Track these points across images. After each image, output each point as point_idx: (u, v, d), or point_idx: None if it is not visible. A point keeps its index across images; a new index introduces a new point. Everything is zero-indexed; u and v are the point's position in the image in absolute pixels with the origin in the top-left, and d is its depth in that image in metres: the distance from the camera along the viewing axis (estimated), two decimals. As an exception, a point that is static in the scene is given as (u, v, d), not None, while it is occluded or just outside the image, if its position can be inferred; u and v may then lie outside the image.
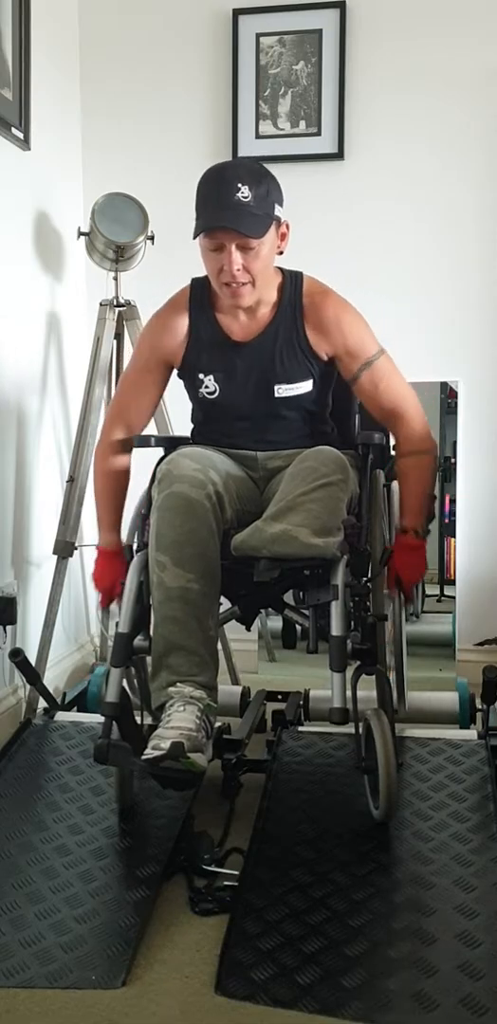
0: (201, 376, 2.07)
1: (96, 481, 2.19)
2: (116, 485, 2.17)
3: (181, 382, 2.16)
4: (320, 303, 2.03)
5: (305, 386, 2.04)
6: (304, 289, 2.05)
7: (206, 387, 2.07)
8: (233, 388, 2.06)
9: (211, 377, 2.07)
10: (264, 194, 1.91)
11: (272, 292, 2.04)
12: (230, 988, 1.43)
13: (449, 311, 2.94)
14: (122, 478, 2.17)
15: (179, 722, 1.70)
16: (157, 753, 1.64)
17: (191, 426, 2.21)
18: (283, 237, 2.01)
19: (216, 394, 2.07)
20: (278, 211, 1.96)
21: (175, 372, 2.15)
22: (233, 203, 1.87)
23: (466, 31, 2.84)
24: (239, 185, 1.88)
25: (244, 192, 1.88)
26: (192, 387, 2.11)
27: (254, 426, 2.08)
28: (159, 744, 1.65)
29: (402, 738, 2.24)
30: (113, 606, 2.15)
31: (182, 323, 2.08)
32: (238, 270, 1.91)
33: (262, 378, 2.04)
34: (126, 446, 2.15)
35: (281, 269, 2.07)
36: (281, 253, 2.02)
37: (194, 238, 1.94)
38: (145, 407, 2.16)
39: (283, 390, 2.03)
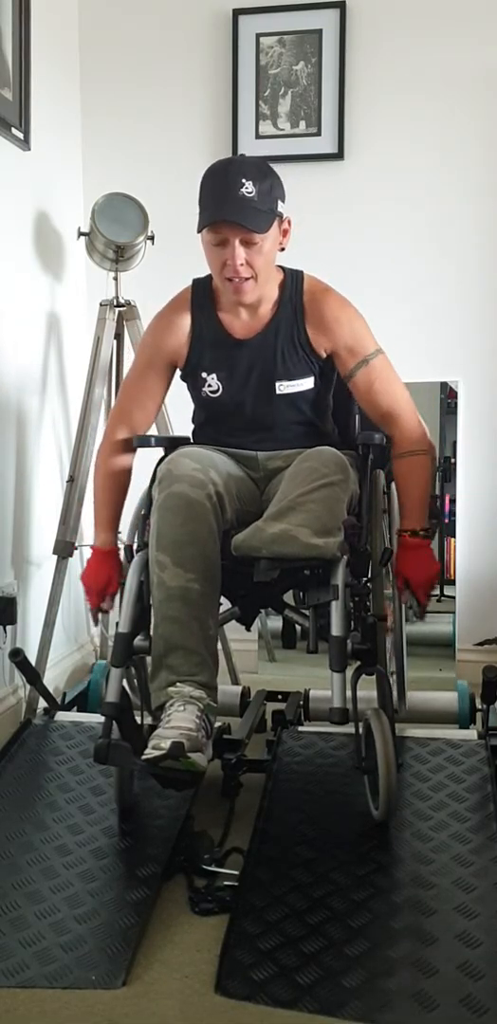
0: (204, 375, 2.08)
1: (97, 480, 2.18)
2: (117, 485, 2.16)
3: (181, 383, 2.16)
4: (321, 300, 2.04)
5: (306, 383, 2.05)
6: (305, 287, 2.06)
7: (209, 386, 2.07)
8: (235, 386, 2.06)
9: (214, 376, 2.07)
10: (268, 189, 1.93)
11: (273, 290, 2.05)
12: (230, 988, 1.43)
13: (449, 311, 2.94)
14: (123, 478, 2.16)
15: (179, 722, 1.70)
16: (157, 753, 1.64)
17: (191, 427, 2.21)
18: (285, 233, 2.02)
19: (219, 392, 2.07)
20: (280, 207, 1.98)
21: (178, 374, 2.15)
22: (237, 198, 1.88)
23: (466, 31, 2.84)
24: (243, 180, 1.89)
25: (248, 188, 1.89)
26: (195, 387, 2.11)
27: (256, 424, 2.08)
28: (159, 744, 1.65)
29: (402, 738, 2.24)
30: (106, 607, 2.15)
31: (185, 323, 2.09)
32: (241, 265, 1.92)
33: (264, 375, 2.04)
34: (129, 447, 2.14)
35: (282, 268, 2.08)
36: (283, 249, 2.03)
37: (198, 232, 1.95)
38: (149, 408, 2.15)
39: (284, 387, 2.04)
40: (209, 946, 1.55)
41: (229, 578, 1.91)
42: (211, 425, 2.14)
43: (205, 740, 1.73)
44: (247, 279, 1.95)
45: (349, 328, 2.03)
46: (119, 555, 2.15)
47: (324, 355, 2.06)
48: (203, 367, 2.08)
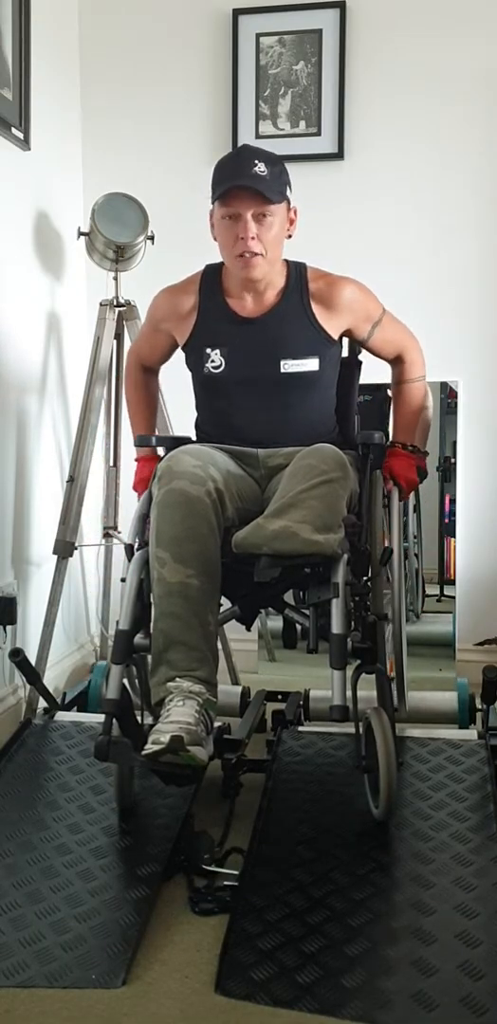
0: (208, 350, 2.11)
1: (129, 397, 2.37)
2: (147, 396, 2.35)
3: (180, 385, 2.17)
4: (330, 285, 2.12)
5: (311, 364, 2.08)
6: (309, 275, 2.13)
7: (212, 361, 2.10)
8: (239, 362, 2.09)
9: (218, 351, 2.10)
10: (278, 174, 2.03)
11: (280, 277, 2.11)
12: (230, 988, 1.43)
13: (449, 311, 2.94)
14: (152, 389, 2.37)
15: (178, 716, 1.71)
16: (157, 748, 1.65)
17: (194, 415, 2.22)
18: (292, 222, 2.11)
19: (222, 368, 2.10)
20: (289, 194, 2.07)
21: (183, 360, 2.18)
22: (251, 174, 1.99)
23: (466, 31, 2.84)
24: (256, 162, 2.01)
25: (261, 168, 2.00)
26: (198, 363, 2.13)
27: (258, 405, 2.09)
28: (158, 739, 1.66)
29: (402, 738, 2.24)
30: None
31: (188, 303, 2.14)
32: (253, 238, 1.99)
33: (269, 353, 2.08)
34: (149, 372, 2.35)
35: (286, 261, 2.13)
36: (289, 236, 2.10)
37: (213, 202, 2.03)
38: (158, 359, 2.32)
39: (289, 365, 2.07)
40: (209, 946, 1.55)
41: (229, 578, 1.91)
42: (213, 403, 2.15)
43: (205, 735, 1.73)
44: (256, 254, 2.01)
45: (361, 303, 2.15)
46: (158, 458, 2.25)
47: (335, 336, 2.12)
48: (207, 342, 2.12)
